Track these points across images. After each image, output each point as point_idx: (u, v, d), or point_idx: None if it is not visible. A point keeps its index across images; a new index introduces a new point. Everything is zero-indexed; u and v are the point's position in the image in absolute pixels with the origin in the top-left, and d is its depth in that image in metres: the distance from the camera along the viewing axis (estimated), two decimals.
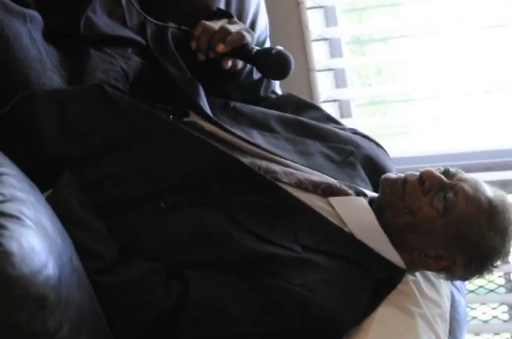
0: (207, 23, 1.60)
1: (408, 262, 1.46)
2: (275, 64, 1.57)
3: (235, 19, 1.67)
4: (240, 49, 1.58)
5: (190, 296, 1.29)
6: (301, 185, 1.46)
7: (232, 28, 1.58)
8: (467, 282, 1.95)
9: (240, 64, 1.64)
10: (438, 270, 1.49)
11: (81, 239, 1.26)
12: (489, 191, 1.45)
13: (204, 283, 1.31)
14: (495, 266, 1.46)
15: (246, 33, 1.59)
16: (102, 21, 1.56)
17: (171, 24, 1.66)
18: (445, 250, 1.44)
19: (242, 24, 1.66)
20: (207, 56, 1.60)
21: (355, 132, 1.74)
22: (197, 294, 1.29)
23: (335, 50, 2.40)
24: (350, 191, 1.49)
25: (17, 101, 1.35)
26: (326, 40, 2.38)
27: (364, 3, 2.54)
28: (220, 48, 1.56)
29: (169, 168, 1.37)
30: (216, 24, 1.59)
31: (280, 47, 1.58)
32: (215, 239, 1.34)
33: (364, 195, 1.51)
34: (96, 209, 1.33)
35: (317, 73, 2.32)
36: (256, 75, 1.71)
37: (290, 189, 1.43)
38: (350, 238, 1.42)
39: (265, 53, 1.57)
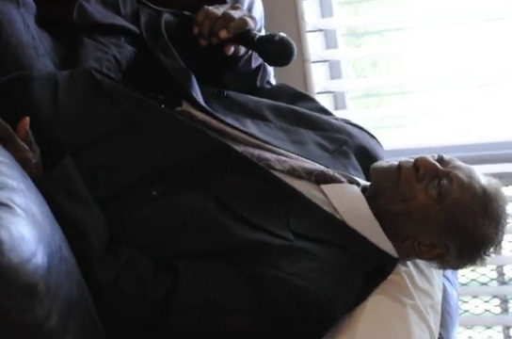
0: (210, 8, 1.57)
1: (401, 250, 1.46)
2: (278, 51, 1.55)
3: (238, 4, 1.65)
4: (243, 35, 1.56)
5: (180, 286, 1.28)
6: (294, 172, 1.46)
7: (235, 14, 1.56)
8: (459, 276, 1.95)
9: (242, 50, 1.63)
10: (430, 258, 1.48)
11: (78, 215, 1.26)
12: (483, 179, 1.46)
13: (194, 273, 1.31)
14: (488, 255, 1.46)
15: (249, 19, 1.57)
16: (95, 9, 1.55)
17: (167, 9, 1.65)
18: (438, 237, 1.43)
19: (244, 10, 1.64)
20: (208, 43, 1.58)
21: (348, 122, 1.74)
22: (187, 284, 1.29)
23: (330, 41, 2.40)
24: (343, 179, 1.48)
25: (14, 81, 1.33)
26: (321, 31, 2.37)
27: None
28: (223, 34, 1.53)
29: (161, 155, 1.37)
30: (218, 10, 1.57)
31: (282, 33, 1.57)
32: (207, 227, 1.34)
33: (357, 183, 1.50)
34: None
35: (312, 65, 2.31)
36: (254, 64, 1.70)
37: (282, 176, 1.43)
38: (342, 226, 1.42)
39: (268, 39, 1.56)
